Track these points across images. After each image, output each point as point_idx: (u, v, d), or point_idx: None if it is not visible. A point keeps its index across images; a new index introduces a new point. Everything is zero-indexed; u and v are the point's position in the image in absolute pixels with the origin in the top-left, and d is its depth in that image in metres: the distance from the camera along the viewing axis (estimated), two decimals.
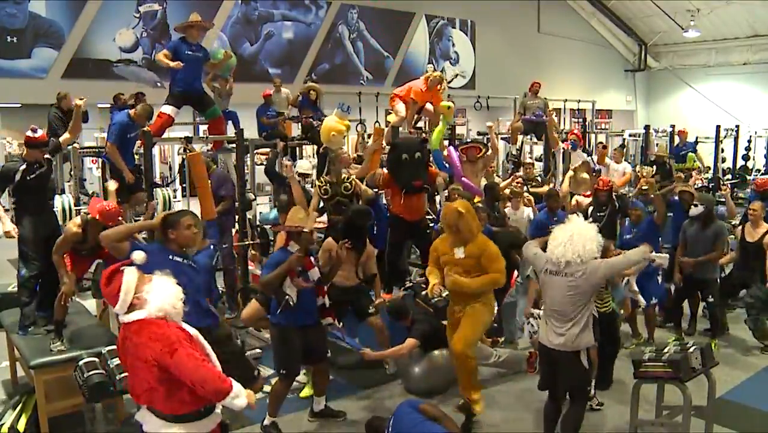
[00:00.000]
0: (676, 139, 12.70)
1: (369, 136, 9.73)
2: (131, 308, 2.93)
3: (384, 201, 7.07)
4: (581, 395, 4.19)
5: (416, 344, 5.07)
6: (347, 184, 6.14)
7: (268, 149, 9.99)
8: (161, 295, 2.93)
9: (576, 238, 3.96)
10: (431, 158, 6.84)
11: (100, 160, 11.59)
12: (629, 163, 11.19)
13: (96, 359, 4.28)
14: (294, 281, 4.41)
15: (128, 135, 6.56)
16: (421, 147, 6.07)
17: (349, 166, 6.73)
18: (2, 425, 4.61)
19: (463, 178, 6.94)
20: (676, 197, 6.78)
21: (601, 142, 11.70)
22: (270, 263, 4.52)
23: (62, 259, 4.70)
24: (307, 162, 8.01)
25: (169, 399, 2.90)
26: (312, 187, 7.06)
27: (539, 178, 9.26)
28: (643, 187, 7.12)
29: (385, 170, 6.44)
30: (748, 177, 14.81)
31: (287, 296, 4.40)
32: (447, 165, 7.16)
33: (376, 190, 6.86)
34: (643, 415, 4.50)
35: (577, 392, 4.17)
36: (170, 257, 3.84)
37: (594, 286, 4.07)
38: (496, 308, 5.42)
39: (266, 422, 4.60)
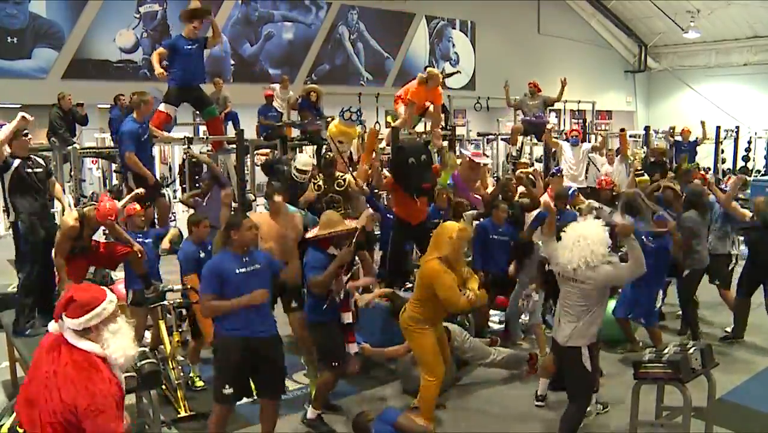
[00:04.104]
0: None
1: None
2: (86, 333, 2.63)
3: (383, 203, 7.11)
4: (580, 396, 4.20)
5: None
6: (340, 180, 6.38)
7: (267, 150, 10.01)
8: (123, 345, 2.69)
9: (582, 242, 3.96)
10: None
11: (100, 160, 11.64)
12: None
13: None
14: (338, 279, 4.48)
15: (141, 139, 6.37)
16: (425, 150, 6.07)
17: (345, 171, 6.78)
18: (2, 425, 4.60)
19: (466, 191, 6.94)
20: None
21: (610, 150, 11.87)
22: (315, 265, 4.47)
23: (63, 261, 4.66)
24: (306, 156, 7.99)
25: None
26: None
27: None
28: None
29: (386, 172, 6.46)
30: (749, 178, 14.81)
31: (333, 293, 4.46)
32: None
33: (376, 190, 6.89)
34: (643, 416, 4.49)
35: (576, 391, 4.19)
36: (236, 270, 3.94)
37: (601, 290, 4.08)
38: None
39: (310, 415, 4.63)
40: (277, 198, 5.35)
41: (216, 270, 3.94)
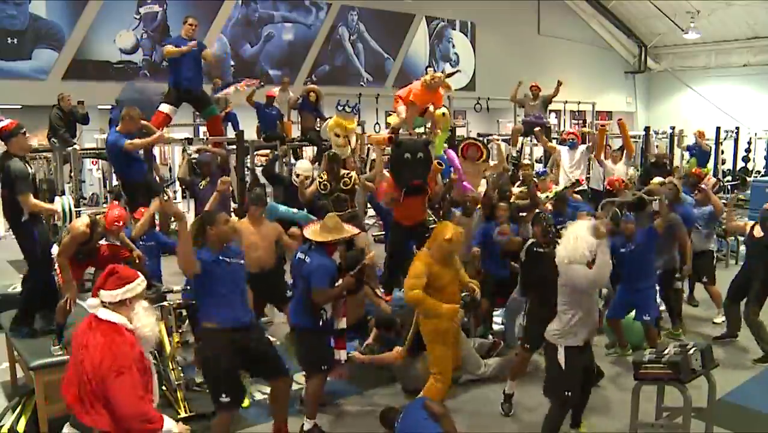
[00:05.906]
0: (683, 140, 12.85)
1: (368, 136, 9.73)
2: (119, 306, 2.91)
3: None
4: (553, 394, 4.24)
5: (404, 352, 5.08)
6: (346, 179, 6.34)
7: (267, 150, 10.01)
8: (151, 321, 2.98)
9: (570, 239, 4.07)
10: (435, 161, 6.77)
11: (100, 161, 11.63)
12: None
13: None
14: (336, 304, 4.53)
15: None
16: (424, 148, 6.02)
17: (353, 169, 6.77)
18: (2, 426, 4.60)
19: (464, 183, 6.91)
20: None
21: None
22: (324, 273, 4.42)
23: (68, 262, 4.66)
24: (307, 163, 7.99)
25: (92, 411, 2.79)
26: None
27: (536, 180, 9.20)
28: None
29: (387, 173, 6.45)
30: (748, 178, 14.82)
31: (323, 310, 4.46)
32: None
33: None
34: (643, 417, 4.49)
35: (551, 389, 4.26)
36: (219, 257, 3.91)
37: (573, 291, 4.10)
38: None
39: (307, 426, 4.51)
40: (254, 208, 5.50)
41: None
